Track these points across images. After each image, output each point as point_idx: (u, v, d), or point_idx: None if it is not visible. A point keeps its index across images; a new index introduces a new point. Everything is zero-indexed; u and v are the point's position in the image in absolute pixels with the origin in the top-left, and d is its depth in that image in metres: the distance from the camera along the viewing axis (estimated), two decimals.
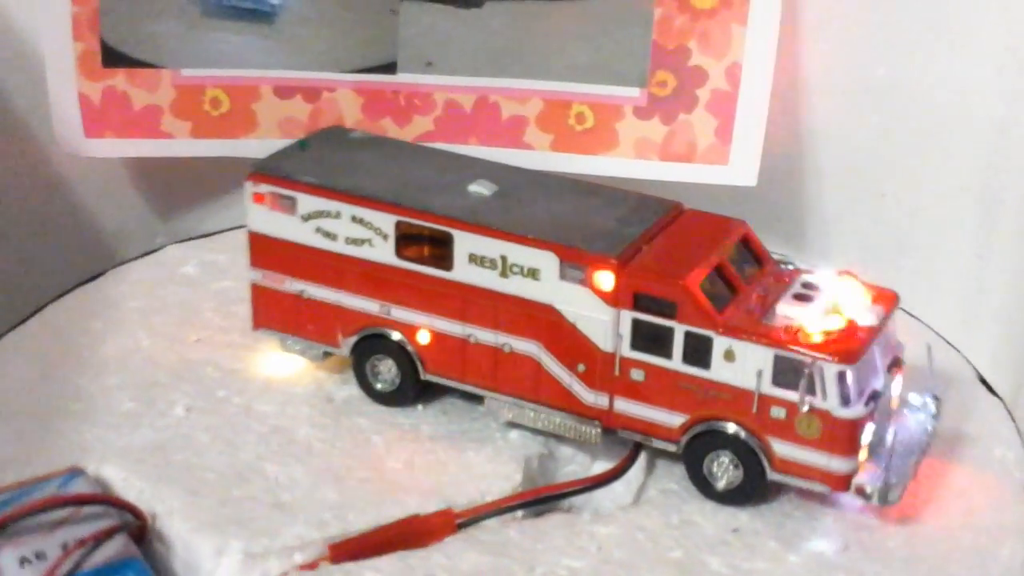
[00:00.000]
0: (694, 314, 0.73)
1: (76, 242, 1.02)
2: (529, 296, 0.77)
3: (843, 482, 0.73)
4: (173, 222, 1.07)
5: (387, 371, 0.83)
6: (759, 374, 0.72)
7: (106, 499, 0.72)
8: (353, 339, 0.83)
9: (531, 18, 1.00)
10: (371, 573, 0.69)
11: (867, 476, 0.73)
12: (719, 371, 0.73)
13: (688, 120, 1.00)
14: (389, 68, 1.01)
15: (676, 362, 0.74)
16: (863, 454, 0.73)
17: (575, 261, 0.75)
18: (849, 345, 0.72)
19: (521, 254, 0.76)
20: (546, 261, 0.76)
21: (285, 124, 1.02)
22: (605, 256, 0.75)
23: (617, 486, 0.77)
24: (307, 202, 0.82)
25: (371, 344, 0.83)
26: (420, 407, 0.83)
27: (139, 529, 0.72)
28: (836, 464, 0.72)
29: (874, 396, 0.73)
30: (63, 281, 0.96)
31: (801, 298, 0.74)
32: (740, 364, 0.72)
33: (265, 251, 0.84)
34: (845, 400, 0.71)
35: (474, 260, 0.77)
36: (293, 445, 0.80)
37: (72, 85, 0.98)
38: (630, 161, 1.01)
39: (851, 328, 0.73)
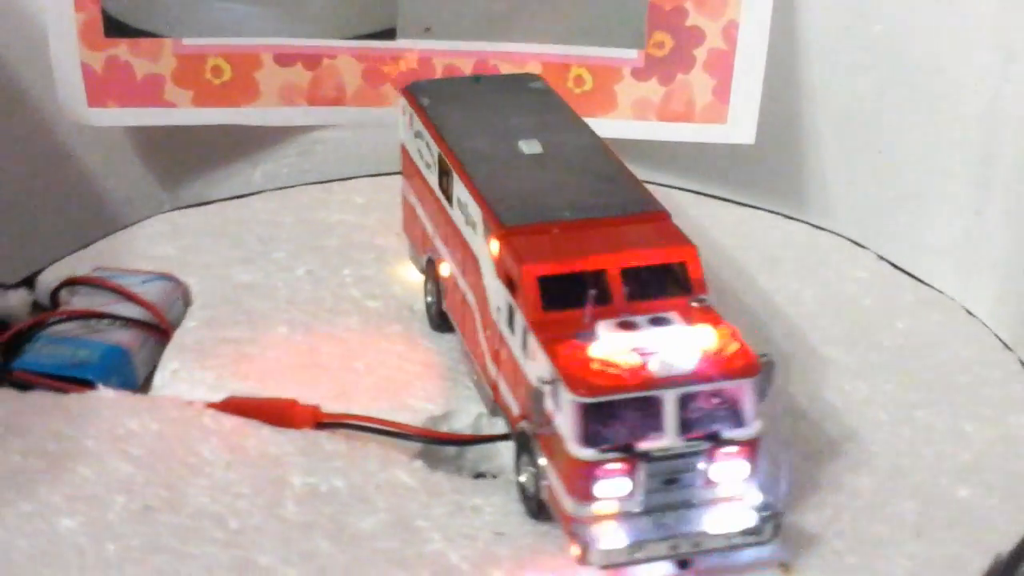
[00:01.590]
0: (522, 302, 0.69)
1: (81, 209, 1.03)
2: (472, 247, 0.77)
3: (568, 524, 0.66)
4: (178, 190, 1.08)
5: (433, 294, 0.85)
6: (540, 381, 0.66)
7: (139, 301, 0.85)
8: (424, 258, 0.87)
9: None
10: (211, 421, 0.77)
11: (589, 531, 0.65)
12: (529, 367, 0.69)
13: (686, 80, 1.00)
14: (389, 34, 1.02)
15: (517, 348, 0.71)
16: (605, 508, 0.65)
17: (487, 222, 0.74)
18: (604, 382, 0.64)
19: (471, 205, 0.76)
20: (477, 216, 0.75)
21: (286, 91, 1.03)
22: (499, 224, 0.72)
23: None
24: (415, 121, 0.86)
25: (430, 266, 0.86)
26: (451, 336, 0.84)
27: (162, 334, 0.85)
28: (567, 503, 0.65)
29: (632, 451, 0.64)
30: (67, 247, 0.97)
31: (627, 326, 0.67)
32: (538, 366, 0.67)
33: (405, 162, 0.89)
34: (579, 436, 0.64)
35: (458, 203, 0.78)
36: (329, 326, 0.86)
37: (75, 55, 0.99)
38: (629, 122, 1.01)
39: (632, 371, 0.64)
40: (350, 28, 1.02)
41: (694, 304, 0.69)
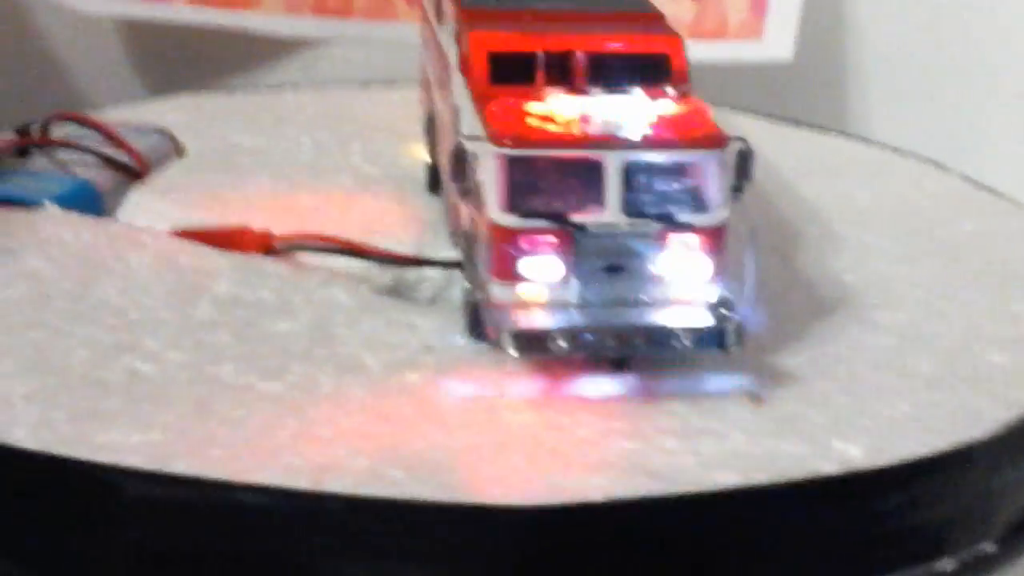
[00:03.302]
0: (470, 77, 0.61)
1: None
2: (447, 56, 0.69)
3: (490, 312, 0.56)
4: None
5: (430, 152, 0.77)
6: (465, 136, 0.57)
7: (123, 144, 0.80)
8: (426, 117, 0.79)
9: None
10: (150, 238, 0.70)
11: (509, 314, 0.55)
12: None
13: None
14: None
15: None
16: (531, 292, 0.55)
17: (456, 11, 0.66)
18: (534, 136, 0.54)
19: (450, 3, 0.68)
20: (452, 14, 0.67)
21: None
22: (460, 6, 0.65)
23: None
24: None
25: (428, 123, 0.78)
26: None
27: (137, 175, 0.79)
28: (489, 287, 0.56)
29: (563, 221, 0.54)
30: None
31: (579, 92, 0.58)
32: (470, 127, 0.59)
33: (422, 19, 0.81)
34: (502, 198, 0.54)
35: (445, 16, 0.70)
36: (317, 181, 0.80)
37: None
38: None
39: (570, 127, 0.55)
40: None
41: (671, 91, 0.59)
